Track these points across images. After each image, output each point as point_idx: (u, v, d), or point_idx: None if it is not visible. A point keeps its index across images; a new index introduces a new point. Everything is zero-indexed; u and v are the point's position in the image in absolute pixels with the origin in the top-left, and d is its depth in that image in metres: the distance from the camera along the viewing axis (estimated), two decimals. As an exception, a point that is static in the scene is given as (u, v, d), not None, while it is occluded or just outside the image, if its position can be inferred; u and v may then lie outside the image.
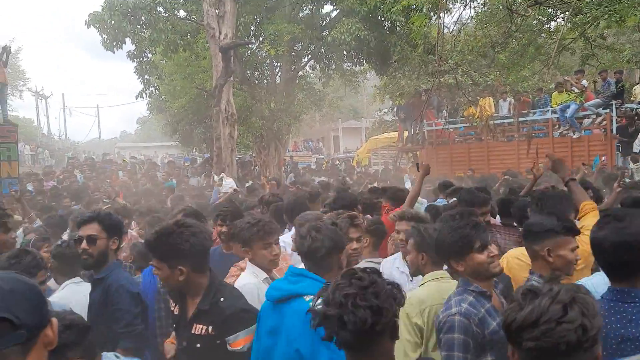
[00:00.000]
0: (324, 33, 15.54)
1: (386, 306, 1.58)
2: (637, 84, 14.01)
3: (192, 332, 2.49)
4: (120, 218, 3.12)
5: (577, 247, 2.53)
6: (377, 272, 1.71)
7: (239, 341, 2.44)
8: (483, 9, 11.46)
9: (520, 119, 14.20)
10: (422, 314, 2.58)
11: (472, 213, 3.26)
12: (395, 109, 19.83)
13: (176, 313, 2.66)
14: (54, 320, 1.36)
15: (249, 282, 2.93)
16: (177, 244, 2.49)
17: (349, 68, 18.70)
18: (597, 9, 11.14)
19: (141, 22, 14.83)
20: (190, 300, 2.58)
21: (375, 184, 10.11)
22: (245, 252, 3.06)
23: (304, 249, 2.44)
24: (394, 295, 1.63)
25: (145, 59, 16.61)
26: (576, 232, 2.57)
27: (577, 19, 12.46)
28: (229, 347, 2.44)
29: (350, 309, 1.56)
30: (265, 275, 3.00)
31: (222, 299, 2.51)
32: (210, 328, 2.46)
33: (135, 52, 16.25)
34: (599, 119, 13.20)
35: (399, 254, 3.72)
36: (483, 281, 2.33)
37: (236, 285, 2.89)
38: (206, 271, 2.59)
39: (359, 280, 1.63)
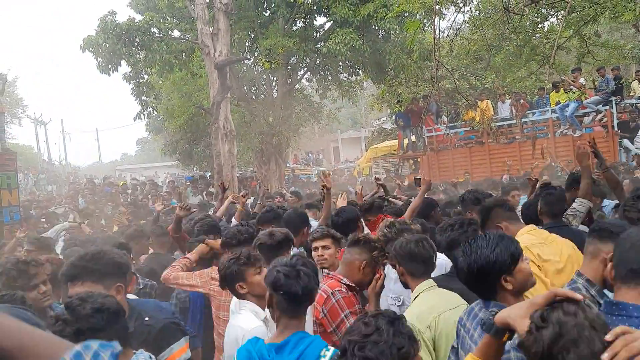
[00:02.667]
0: (319, 45, 15.57)
1: (382, 358, 1.51)
2: (635, 79, 13.94)
3: None
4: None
5: None
6: (391, 318, 1.61)
7: (174, 354, 2.35)
8: (476, 13, 11.46)
9: (522, 120, 14.15)
10: (430, 326, 2.46)
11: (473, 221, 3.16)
12: (394, 117, 19.78)
13: None
14: None
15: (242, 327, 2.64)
16: (114, 258, 2.42)
17: (345, 78, 18.70)
18: (590, 7, 11.16)
19: (135, 44, 14.85)
20: None
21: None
22: (241, 288, 2.78)
23: None
24: (399, 344, 1.54)
25: (141, 80, 16.63)
26: None
27: (570, 17, 12.48)
28: None
29: (349, 357, 1.53)
30: (264, 314, 2.71)
31: (146, 318, 2.40)
32: None
33: (131, 74, 16.28)
34: (599, 116, 13.12)
35: None
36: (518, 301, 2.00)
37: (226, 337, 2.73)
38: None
39: (365, 326, 1.58)
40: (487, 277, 2.01)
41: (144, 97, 16.77)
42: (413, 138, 17.22)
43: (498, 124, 14.57)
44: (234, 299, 2.90)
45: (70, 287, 2.36)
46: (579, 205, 4.06)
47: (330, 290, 2.77)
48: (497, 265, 1.99)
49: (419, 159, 17.16)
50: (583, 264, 2.32)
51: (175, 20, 16.46)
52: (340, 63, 16.46)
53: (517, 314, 1.38)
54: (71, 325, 1.86)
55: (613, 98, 12.69)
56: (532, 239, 3.11)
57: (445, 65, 10.42)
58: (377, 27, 14.65)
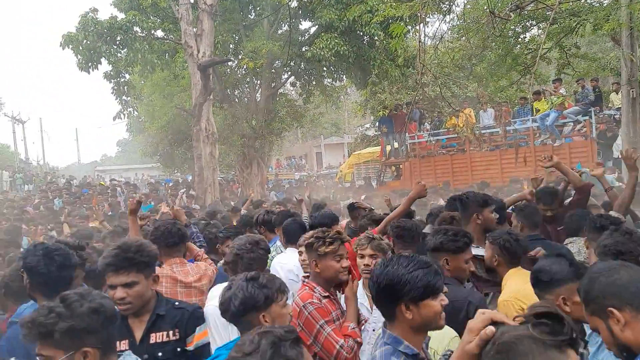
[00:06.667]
0: (304, 49, 15.53)
1: None
2: (612, 91, 14.21)
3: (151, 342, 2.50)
4: None
5: None
6: (278, 339, 1.48)
7: (199, 335, 2.59)
8: (460, 22, 11.57)
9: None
10: None
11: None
12: (377, 123, 19.83)
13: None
14: None
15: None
16: (153, 251, 2.69)
17: (329, 84, 18.69)
18: (571, 19, 11.33)
19: (117, 42, 14.63)
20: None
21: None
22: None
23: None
24: None
25: (122, 80, 16.38)
26: None
27: (552, 28, 12.67)
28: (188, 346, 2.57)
29: None
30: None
31: (176, 303, 2.66)
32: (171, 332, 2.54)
33: (111, 73, 16.02)
34: (578, 126, 13.32)
35: (360, 282, 3.36)
36: (417, 337, 1.92)
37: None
38: None
39: (249, 343, 1.47)
40: (389, 296, 1.90)
41: (124, 97, 16.52)
42: (396, 144, 17.26)
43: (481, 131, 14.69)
44: None
45: (114, 276, 2.44)
46: None
47: (302, 303, 2.71)
48: (404, 288, 1.87)
49: (401, 166, 17.19)
50: None
51: (158, 20, 16.26)
52: (325, 68, 16.44)
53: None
54: (65, 321, 1.75)
55: (592, 108, 12.89)
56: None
57: (430, 72, 10.50)
58: (362, 33, 14.69)
